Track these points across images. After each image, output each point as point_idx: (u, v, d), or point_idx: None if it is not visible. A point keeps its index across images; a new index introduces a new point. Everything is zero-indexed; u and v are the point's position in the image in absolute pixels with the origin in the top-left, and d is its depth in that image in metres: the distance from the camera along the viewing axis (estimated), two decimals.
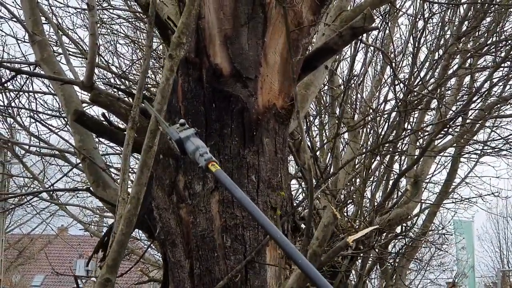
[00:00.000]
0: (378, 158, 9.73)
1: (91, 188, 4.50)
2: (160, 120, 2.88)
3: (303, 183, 9.35)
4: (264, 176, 3.72)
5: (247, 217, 3.62)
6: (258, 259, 3.60)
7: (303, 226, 6.34)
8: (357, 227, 8.94)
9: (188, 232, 3.64)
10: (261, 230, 3.64)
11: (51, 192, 7.67)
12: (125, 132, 4.12)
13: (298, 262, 1.93)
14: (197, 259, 3.61)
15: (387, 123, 9.77)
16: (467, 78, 11.43)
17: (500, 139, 11.68)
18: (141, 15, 9.15)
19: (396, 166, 11.05)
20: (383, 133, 9.55)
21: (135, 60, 10.42)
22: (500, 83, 10.79)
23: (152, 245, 6.99)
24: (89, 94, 4.03)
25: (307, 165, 3.13)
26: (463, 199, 13.40)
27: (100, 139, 7.41)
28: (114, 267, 2.82)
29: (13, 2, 8.31)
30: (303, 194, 9.15)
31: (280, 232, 2.07)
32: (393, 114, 9.76)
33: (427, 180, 11.74)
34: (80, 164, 5.17)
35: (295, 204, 4.70)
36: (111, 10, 10.42)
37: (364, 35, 10.24)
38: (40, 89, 9.72)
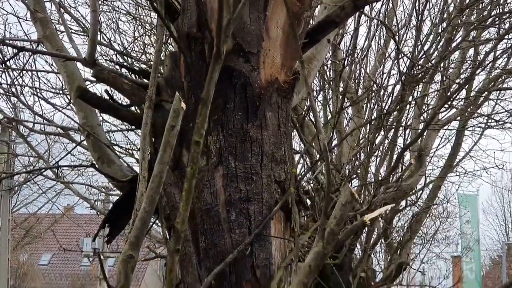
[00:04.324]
0: (382, 132, 9.73)
1: (96, 164, 4.51)
2: None
3: (307, 158, 9.36)
4: (267, 150, 3.72)
5: (252, 191, 3.64)
6: (263, 232, 3.62)
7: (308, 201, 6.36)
8: (361, 201, 8.96)
9: (193, 207, 3.65)
10: (265, 203, 3.66)
11: (57, 170, 7.70)
12: (129, 109, 4.14)
13: None
14: (202, 233, 3.63)
15: (390, 97, 9.77)
16: (471, 51, 11.39)
17: (504, 112, 11.68)
18: None
19: (400, 141, 11.06)
20: (386, 107, 9.54)
21: (137, 37, 10.40)
22: (504, 55, 10.76)
23: (157, 221, 7.00)
24: (91, 71, 4.03)
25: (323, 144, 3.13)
26: (467, 172, 13.44)
27: (103, 117, 7.44)
28: (136, 244, 2.86)
29: None
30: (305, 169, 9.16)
31: None
32: (397, 88, 9.75)
33: (431, 154, 11.76)
34: (84, 142, 5.19)
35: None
36: None
37: (367, 8, 10.20)
38: (43, 68, 9.73)
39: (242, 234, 3.59)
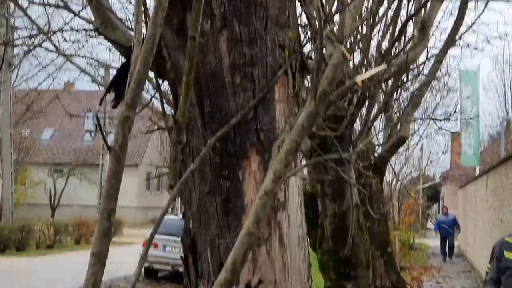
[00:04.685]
0: (385, 3, 9.61)
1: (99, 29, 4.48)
2: None
3: (308, 31, 9.29)
4: (272, 14, 3.70)
5: (256, 55, 3.64)
6: (268, 96, 3.65)
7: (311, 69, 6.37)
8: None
9: (197, 71, 3.66)
10: (269, 68, 3.68)
11: (61, 35, 7.64)
12: None
13: None
14: (207, 97, 3.66)
15: None
16: None
17: None
18: None
19: (403, 13, 10.94)
20: None
21: None
22: None
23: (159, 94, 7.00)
24: None
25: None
26: (469, 45, 13.40)
27: None
28: (132, 106, 2.88)
29: None
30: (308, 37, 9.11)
31: None
32: None
33: (434, 27, 11.66)
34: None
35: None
36: None
37: None
38: None
39: (246, 98, 3.62)
